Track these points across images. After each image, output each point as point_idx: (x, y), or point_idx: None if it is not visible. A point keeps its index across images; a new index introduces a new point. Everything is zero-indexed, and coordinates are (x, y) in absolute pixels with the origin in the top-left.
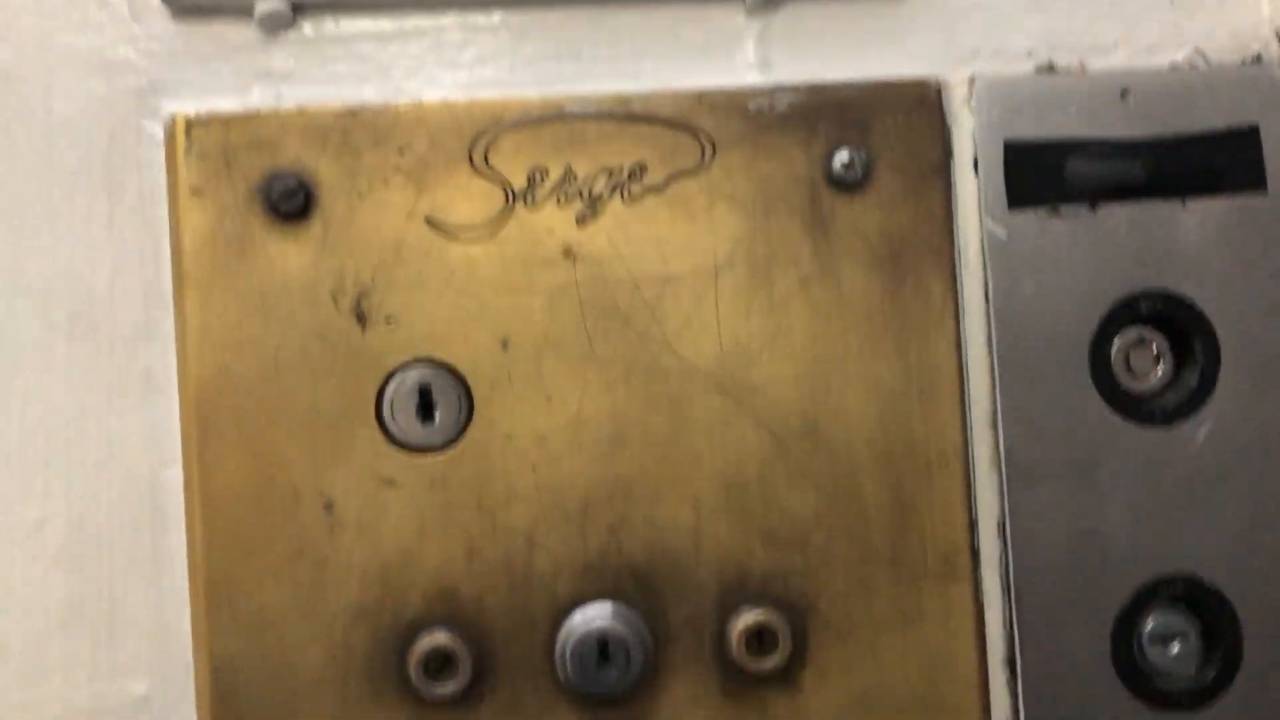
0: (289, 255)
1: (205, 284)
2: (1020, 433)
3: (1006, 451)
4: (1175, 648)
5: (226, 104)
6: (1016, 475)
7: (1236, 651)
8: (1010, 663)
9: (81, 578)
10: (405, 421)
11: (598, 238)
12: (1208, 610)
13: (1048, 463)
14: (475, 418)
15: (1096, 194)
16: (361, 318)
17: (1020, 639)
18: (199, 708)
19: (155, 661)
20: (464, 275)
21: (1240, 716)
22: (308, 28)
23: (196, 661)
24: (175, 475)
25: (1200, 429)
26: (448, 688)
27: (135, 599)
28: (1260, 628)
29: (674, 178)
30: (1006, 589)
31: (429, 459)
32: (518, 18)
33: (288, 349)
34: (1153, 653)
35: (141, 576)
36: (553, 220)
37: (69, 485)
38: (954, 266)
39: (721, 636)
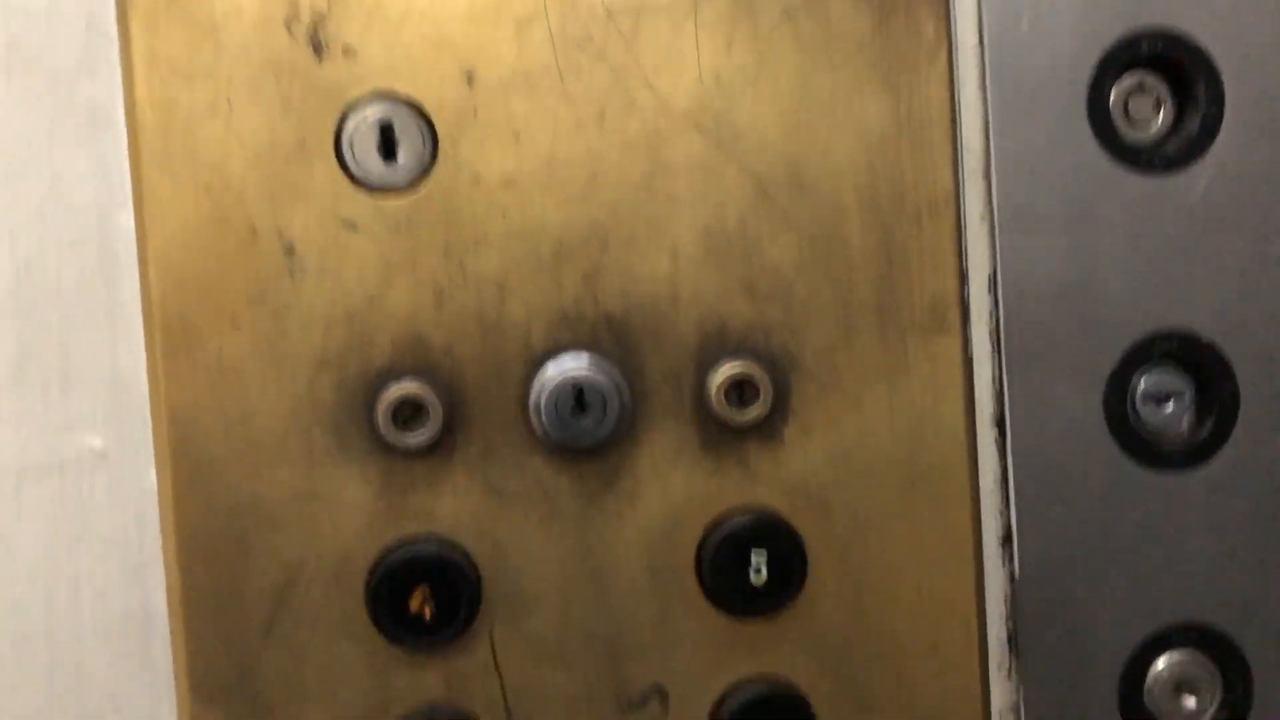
0: None
1: (151, 11)
2: (1013, 181)
3: (999, 201)
4: (1169, 406)
5: None
6: (1009, 226)
7: (1232, 409)
8: (999, 421)
9: (31, 328)
10: (366, 160)
11: None
12: (1203, 367)
13: (1042, 212)
14: (440, 157)
15: None
16: (317, 47)
17: (1010, 397)
18: (158, 460)
19: (111, 414)
20: (425, 3)
21: (1234, 475)
22: None
23: (154, 413)
24: (126, 218)
25: (1201, 178)
26: (418, 438)
27: (88, 349)
28: (1257, 385)
29: None
30: (996, 345)
31: (392, 201)
32: None
33: (240, 81)
34: (1146, 411)
35: (94, 326)
36: None
37: (13, 231)
38: (947, 1)
39: (701, 389)
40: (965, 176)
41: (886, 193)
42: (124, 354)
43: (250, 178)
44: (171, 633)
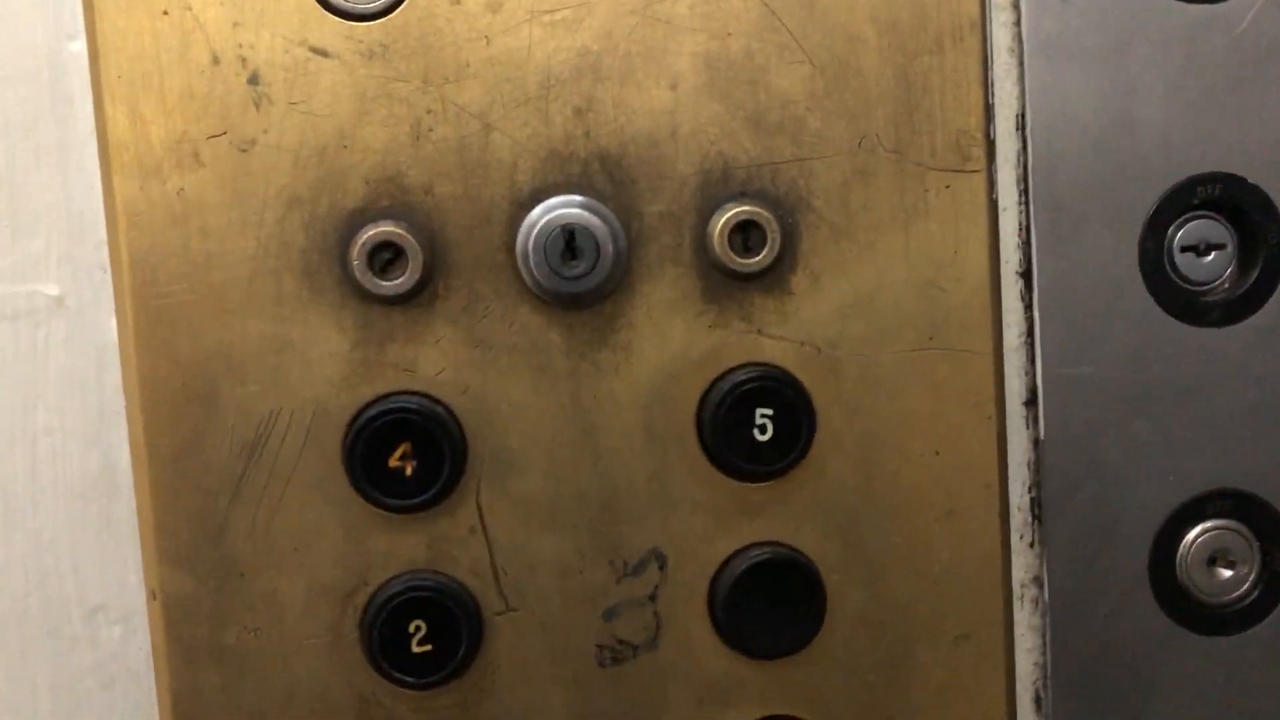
0: None
1: None
2: (1044, 9)
3: (1029, 31)
4: (1210, 257)
5: None
6: (1039, 59)
7: (1278, 260)
8: (1026, 274)
9: None
10: None
11: None
12: (1248, 213)
13: (1075, 44)
14: None
15: None
16: None
17: (1037, 246)
18: (118, 308)
19: (67, 259)
20: None
21: (1278, 332)
22: None
23: (113, 258)
24: (79, 47)
25: (1250, 6)
26: (396, 284)
27: (40, 190)
28: None
29: None
30: (1024, 191)
31: (366, 25)
32: None
33: None
34: (1184, 262)
35: (46, 165)
36: None
37: None
38: None
39: (703, 234)
40: (992, 4)
41: (906, 18)
42: (79, 194)
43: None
44: (136, 492)
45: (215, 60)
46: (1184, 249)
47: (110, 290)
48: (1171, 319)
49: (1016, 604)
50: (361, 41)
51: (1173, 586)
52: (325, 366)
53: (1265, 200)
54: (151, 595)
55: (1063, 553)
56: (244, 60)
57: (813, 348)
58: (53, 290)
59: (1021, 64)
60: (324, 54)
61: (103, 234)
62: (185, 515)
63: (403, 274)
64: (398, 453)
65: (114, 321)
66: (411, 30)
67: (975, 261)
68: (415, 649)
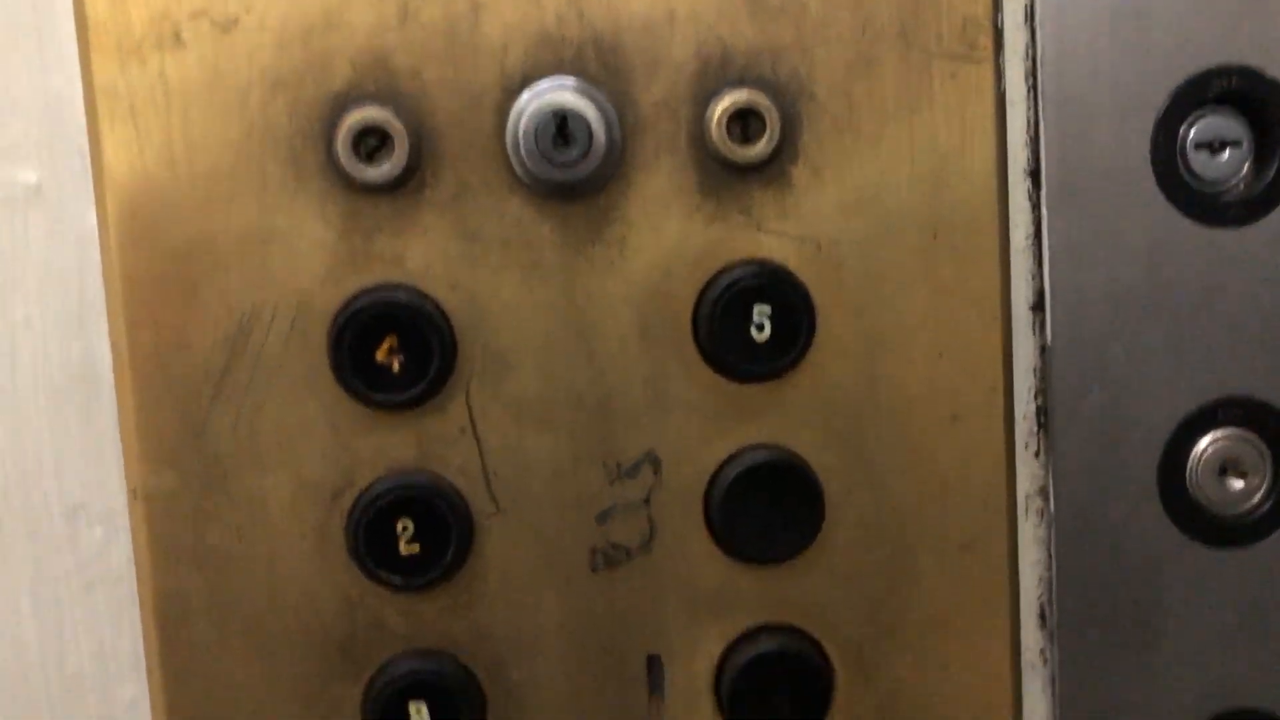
0: None
1: None
2: None
3: None
4: (1225, 154)
5: None
6: None
7: None
8: (1034, 172)
9: None
10: None
11: None
12: (1265, 109)
13: None
14: None
15: None
16: None
17: (1045, 144)
18: (97, 196)
19: (44, 144)
20: None
21: None
22: None
23: (91, 143)
24: None
25: None
26: (382, 170)
27: (15, 71)
28: None
29: None
30: (1032, 86)
31: None
32: None
33: None
34: (1198, 159)
35: (21, 45)
36: None
37: None
38: None
39: (700, 122)
40: None
41: None
42: (56, 76)
43: None
44: (117, 387)
45: None
46: (1198, 146)
47: (89, 177)
48: (1184, 219)
49: (1021, 516)
50: None
51: (1182, 498)
52: (310, 258)
53: None
54: (133, 494)
55: (1069, 463)
56: None
57: (813, 244)
58: (30, 178)
59: None
60: None
61: (82, 119)
62: (167, 411)
63: (389, 160)
64: (385, 346)
65: (94, 210)
66: None
67: (982, 156)
68: (403, 550)
